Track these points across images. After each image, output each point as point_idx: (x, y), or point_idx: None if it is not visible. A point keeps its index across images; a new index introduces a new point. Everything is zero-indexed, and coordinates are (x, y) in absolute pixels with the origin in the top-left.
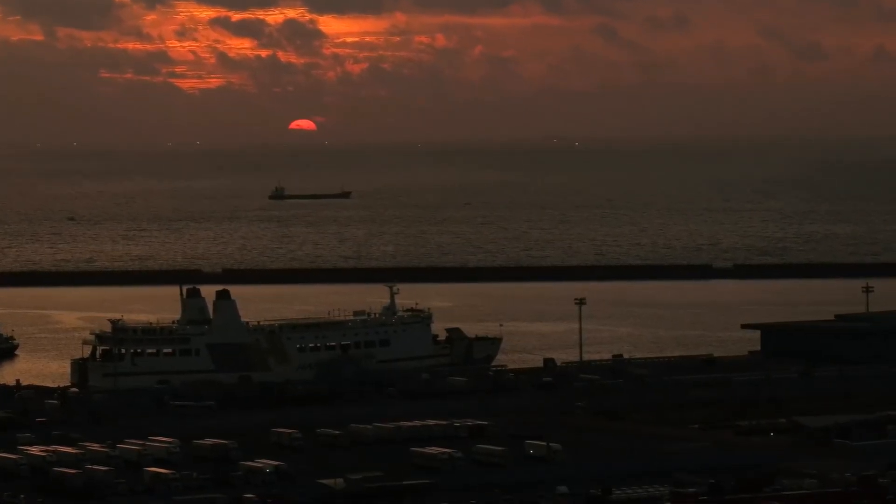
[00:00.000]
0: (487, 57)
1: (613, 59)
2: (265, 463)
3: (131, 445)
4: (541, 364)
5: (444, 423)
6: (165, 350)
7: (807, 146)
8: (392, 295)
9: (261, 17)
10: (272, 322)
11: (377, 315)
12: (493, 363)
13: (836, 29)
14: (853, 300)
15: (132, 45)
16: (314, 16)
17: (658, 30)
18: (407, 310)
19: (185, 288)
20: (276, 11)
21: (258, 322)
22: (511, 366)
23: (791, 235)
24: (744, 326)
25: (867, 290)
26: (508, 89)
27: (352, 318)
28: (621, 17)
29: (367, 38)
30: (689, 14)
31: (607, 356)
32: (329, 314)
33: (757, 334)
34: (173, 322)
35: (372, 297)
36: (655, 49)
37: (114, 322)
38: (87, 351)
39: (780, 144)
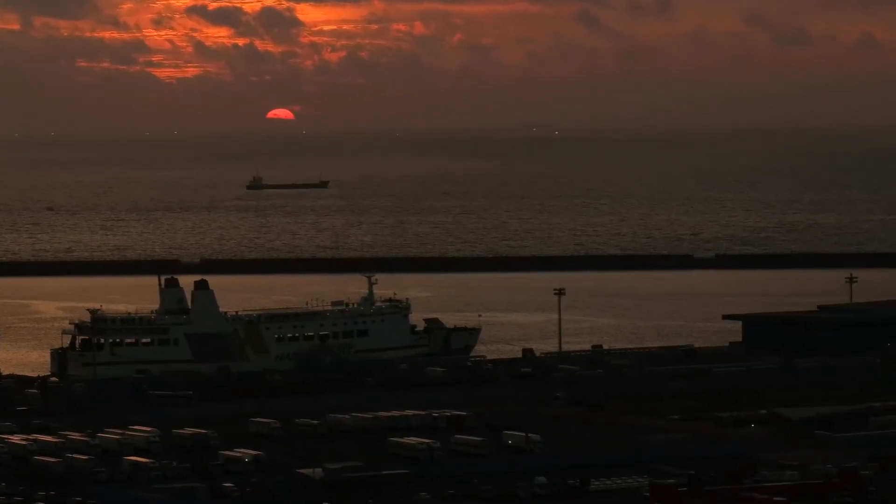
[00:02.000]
0: (466, 45)
1: (594, 47)
2: (244, 452)
3: (111, 434)
4: (520, 355)
5: (423, 413)
6: (144, 340)
7: (791, 134)
8: (370, 285)
9: (238, 5)
10: (250, 312)
11: (355, 305)
12: (472, 353)
13: (821, 15)
14: (836, 291)
15: (109, 34)
16: (291, 4)
17: (640, 16)
18: (385, 300)
19: (163, 278)
20: None
21: (236, 312)
22: (490, 356)
23: (773, 225)
24: (725, 317)
25: (851, 280)
26: (487, 77)
27: (330, 308)
28: (602, 4)
29: (345, 26)
30: (672, 0)
31: (587, 347)
32: (307, 304)
33: (738, 325)
34: (152, 312)
35: (350, 288)
36: (637, 36)
37: (93, 312)
38: (67, 341)
39: (763, 133)
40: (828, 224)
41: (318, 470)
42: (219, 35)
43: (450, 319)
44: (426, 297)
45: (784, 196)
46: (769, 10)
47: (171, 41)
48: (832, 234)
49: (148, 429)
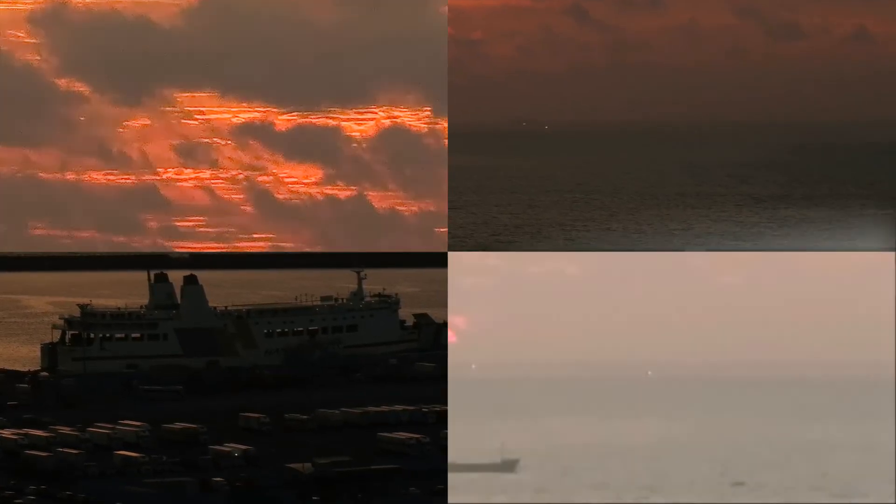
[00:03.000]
0: (455, 38)
1: (585, 41)
2: (234, 447)
3: (101, 429)
4: None
5: (412, 408)
6: (134, 335)
7: (783, 128)
8: (360, 280)
9: None
10: (240, 307)
11: (345, 300)
12: None
13: (815, 8)
14: None
15: None
16: None
17: (630, 10)
18: (375, 295)
19: (152, 273)
20: None
21: (226, 307)
22: None
23: (765, 220)
24: None
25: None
26: (477, 71)
27: (319, 303)
28: None
29: None
30: None
31: None
32: (297, 299)
33: None
34: (141, 307)
35: (339, 283)
36: (627, 30)
37: (83, 307)
38: (57, 335)
39: (755, 127)
40: (820, 219)
41: (308, 465)
42: None
43: (439, 314)
44: (415, 292)
45: (776, 191)
46: (761, 3)
47: None
48: (825, 229)
49: (138, 423)
